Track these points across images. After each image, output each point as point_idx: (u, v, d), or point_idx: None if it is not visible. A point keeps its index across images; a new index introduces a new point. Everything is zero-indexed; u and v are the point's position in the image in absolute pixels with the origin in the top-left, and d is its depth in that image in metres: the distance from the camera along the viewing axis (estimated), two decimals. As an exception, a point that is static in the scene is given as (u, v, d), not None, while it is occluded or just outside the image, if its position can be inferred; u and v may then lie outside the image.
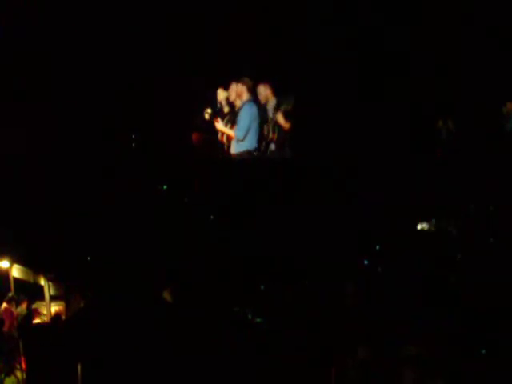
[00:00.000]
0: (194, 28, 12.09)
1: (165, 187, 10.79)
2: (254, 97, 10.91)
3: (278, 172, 10.44)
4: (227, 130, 11.02)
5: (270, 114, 10.87)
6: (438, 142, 10.72)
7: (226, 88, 11.19)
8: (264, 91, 10.93)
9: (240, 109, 10.87)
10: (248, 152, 10.75)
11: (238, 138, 10.79)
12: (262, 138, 10.86)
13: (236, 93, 10.96)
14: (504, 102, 10.72)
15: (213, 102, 11.34)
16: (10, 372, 11.80)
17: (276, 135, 10.76)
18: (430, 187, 9.91)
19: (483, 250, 9.53)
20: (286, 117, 10.58)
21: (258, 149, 10.83)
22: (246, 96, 10.88)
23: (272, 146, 10.86)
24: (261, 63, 11.44)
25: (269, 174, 10.43)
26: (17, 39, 11.77)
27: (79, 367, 9.73)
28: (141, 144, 11.42)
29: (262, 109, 10.99)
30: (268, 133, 10.83)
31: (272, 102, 10.91)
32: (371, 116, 10.76)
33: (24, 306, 12.80)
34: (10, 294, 12.29)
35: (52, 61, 11.77)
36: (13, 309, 12.41)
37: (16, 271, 12.15)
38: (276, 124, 10.71)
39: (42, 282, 12.52)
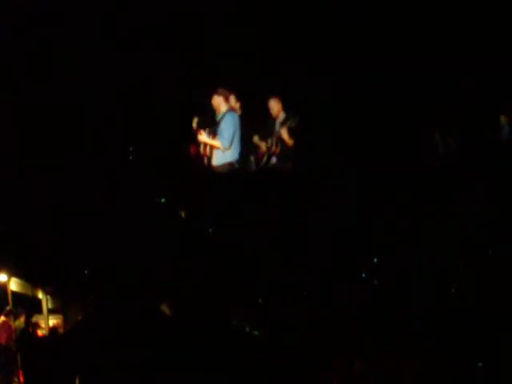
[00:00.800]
0: (194, 37, 12.14)
1: (163, 200, 10.77)
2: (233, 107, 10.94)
3: (278, 184, 10.45)
4: (211, 141, 10.96)
5: (277, 128, 10.90)
6: (436, 154, 10.78)
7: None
8: (276, 106, 10.94)
9: (222, 119, 10.85)
10: (230, 164, 10.73)
11: (224, 147, 10.74)
12: (266, 150, 10.88)
13: (214, 104, 10.96)
14: (501, 113, 10.79)
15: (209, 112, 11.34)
16: (7, 385, 11.79)
17: (279, 149, 10.81)
18: (429, 198, 9.94)
19: (483, 258, 9.54)
20: (291, 133, 10.63)
21: (239, 161, 10.80)
22: (224, 106, 10.88)
23: (273, 160, 10.90)
24: (272, 78, 11.50)
25: (268, 185, 10.44)
26: (17, 39, 11.78)
27: (77, 380, 9.72)
28: (138, 156, 11.42)
29: (270, 122, 11.01)
30: (271, 146, 10.86)
31: (281, 117, 10.94)
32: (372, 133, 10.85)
33: (22, 319, 12.79)
34: (8, 308, 12.28)
35: (52, 63, 11.78)
36: (11, 322, 12.40)
37: (14, 285, 12.15)
38: (280, 138, 10.75)
39: (40, 295, 12.52)
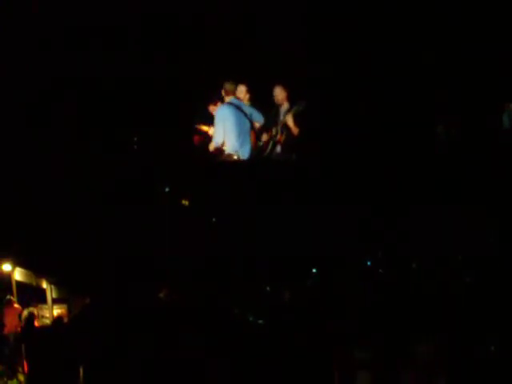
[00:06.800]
0: (200, 29, 12.15)
1: (167, 189, 10.78)
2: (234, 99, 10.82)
3: (281, 174, 10.45)
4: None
5: (282, 116, 10.86)
6: (438, 142, 10.79)
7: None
8: (281, 93, 10.87)
9: None
10: (229, 155, 10.64)
11: (216, 143, 10.72)
12: (269, 138, 10.85)
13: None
14: (504, 101, 10.78)
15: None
16: (12, 375, 11.79)
17: (283, 137, 10.78)
18: (431, 187, 9.95)
19: (483, 250, 9.54)
20: (296, 120, 10.60)
21: (238, 150, 10.73)
22: (227, 100, 10.82)
23: (278, 148, 10.87)
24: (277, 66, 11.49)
25: (271, 175, 10.44)
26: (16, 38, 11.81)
27: (81, 370, 9.74)
28: (142, 146, 11.44)
29: (274, 110, 10.97)
30: (276, 134, 10.83)
31: (285, 105, 10.90)
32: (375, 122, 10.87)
33: (26, 311, 12.78)
34: (8, 297, 12.26)
35: (52, 59, 11.79)
36: (14, 312, 12.39)
37: (18, 274, 12.15)
38: (285, 126, 10.72)
39: (45, 285, 12.53)
